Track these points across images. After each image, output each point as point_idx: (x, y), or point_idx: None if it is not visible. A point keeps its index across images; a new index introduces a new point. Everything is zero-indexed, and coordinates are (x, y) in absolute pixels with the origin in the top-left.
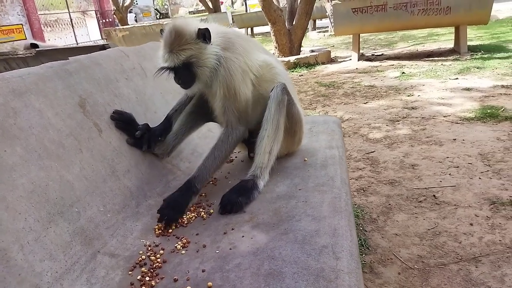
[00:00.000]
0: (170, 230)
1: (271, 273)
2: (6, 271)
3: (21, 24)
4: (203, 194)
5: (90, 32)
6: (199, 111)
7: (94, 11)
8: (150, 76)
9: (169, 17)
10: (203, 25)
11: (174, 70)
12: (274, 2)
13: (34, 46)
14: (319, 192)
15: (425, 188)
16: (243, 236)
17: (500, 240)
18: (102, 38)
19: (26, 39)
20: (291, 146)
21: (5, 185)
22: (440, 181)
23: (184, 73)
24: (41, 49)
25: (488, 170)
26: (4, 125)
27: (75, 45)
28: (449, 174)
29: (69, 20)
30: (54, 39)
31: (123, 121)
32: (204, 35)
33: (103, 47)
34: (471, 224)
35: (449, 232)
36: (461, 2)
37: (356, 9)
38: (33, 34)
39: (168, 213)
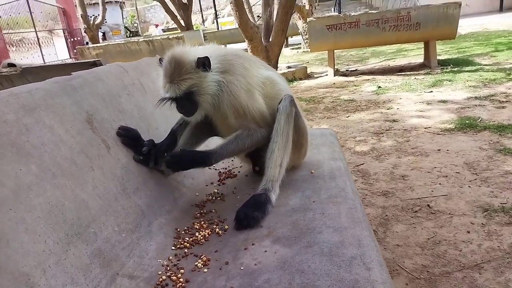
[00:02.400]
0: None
1: (305, 287)
2: None
3: None
4: (213, 210)
5: (58, 51)
6: (204, 126)
7: (62, 30)
8: (149, 91)
9: (139, 35)
10: (202, 53)
11: (176, 100)
12: (250, 20)
13: (11, 66)
14: (334, 204)
15: (418, 198)
16: (265, 251)
17: (498, 246)
18: (70, 57)
19: None
20: (297, 159)
21: (23, 205)
22: (432, 191)
23: (186, 102)
24: (27, 66)
25: (476, 179)
26: (18, 142)
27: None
28: (439, 184)
29: (36, 39)
30: (21, 59)
31: (129, 137)
32: (203, 64)
33: (94, 64)
34: (468, 232)
35: (448, 240)
36: (430, 18)
37: (330, 26)
38: None
39: (176, 164)
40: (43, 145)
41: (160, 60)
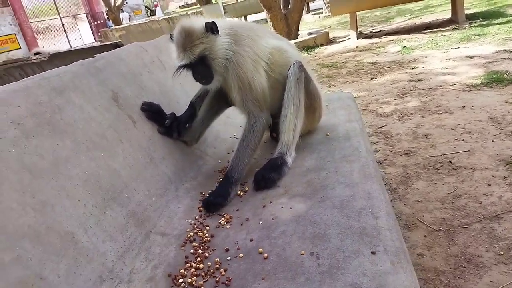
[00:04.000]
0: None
1: (317, 236)
2: (77, 252)
3: (14, 33)
4: None
5: (83, 35)
6: (221, 96)
7: (85, 14)
8: (168, 68)
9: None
10: (209, 20)
11: (192, 67)
12: None
13: (38, 55)
14: (347, 162)
15: (441, 155)
16: (282, 207)
17: None
18: (95, 41)
19: (20, 48)
20: (312, 123)
21: (63, 175)
22: (455, 147)
23: (201, 68)
24: (55, 52)
25: (500, 133)
26: (53, 121)
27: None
28: (463, 140)
29: (61, 25)
30: (48, 46)
31: (152, 112)
32: (211, 28)
33: (116, 45)
34: (489, 185)
35: (468, 194)
36: None
37: None
38: (27, 43)
39: (211, 200)
40: (75, 122)
41: (171, 36)
